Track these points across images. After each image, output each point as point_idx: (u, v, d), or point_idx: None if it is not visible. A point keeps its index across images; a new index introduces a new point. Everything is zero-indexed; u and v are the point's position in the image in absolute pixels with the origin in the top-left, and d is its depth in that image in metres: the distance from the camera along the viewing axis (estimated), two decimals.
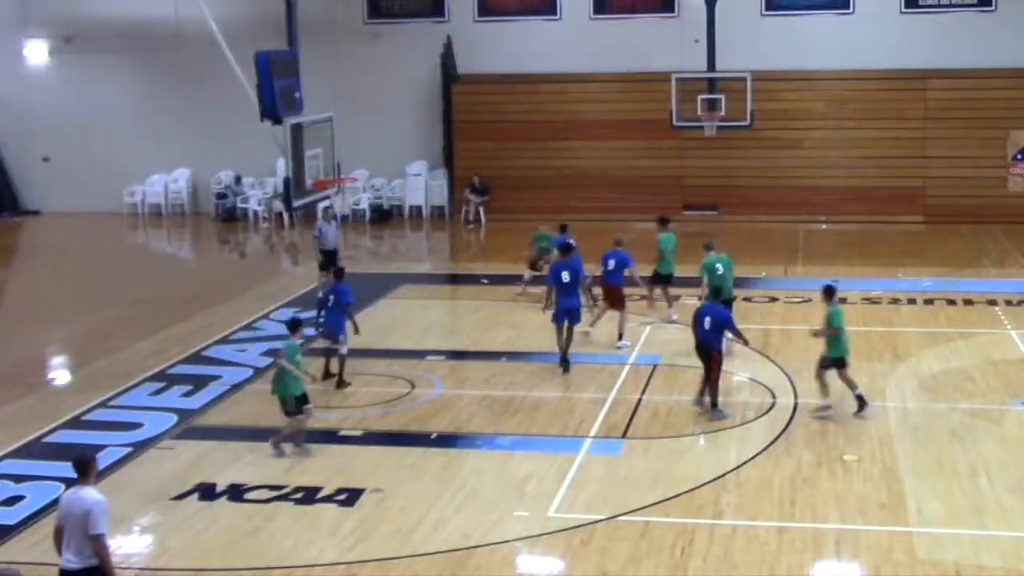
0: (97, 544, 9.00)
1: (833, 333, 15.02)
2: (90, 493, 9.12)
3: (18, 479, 13.66)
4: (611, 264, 18.71)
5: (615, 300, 18.71)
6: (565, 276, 17.39)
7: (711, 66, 27.60)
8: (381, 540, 11.85)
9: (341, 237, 23.75)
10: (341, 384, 16.86)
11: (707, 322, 15.32)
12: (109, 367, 18.33)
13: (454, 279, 25.38)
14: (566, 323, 17.34)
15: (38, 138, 34.24)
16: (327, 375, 17.13)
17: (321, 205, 21.87)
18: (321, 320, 17.53)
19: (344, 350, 16.91)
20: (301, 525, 12.25)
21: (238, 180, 33.32)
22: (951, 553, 11.34)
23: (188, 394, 16.81)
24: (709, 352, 15.26)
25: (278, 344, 19.16)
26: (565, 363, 17.31)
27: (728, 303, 17.44)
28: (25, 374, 18.30)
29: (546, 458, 13.94)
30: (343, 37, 32.30)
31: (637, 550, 11.47)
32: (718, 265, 18.12)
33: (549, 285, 18.27)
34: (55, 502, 9.86)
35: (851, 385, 15.15)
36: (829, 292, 15.51)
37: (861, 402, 15.13)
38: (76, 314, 22.40)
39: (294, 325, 14.92)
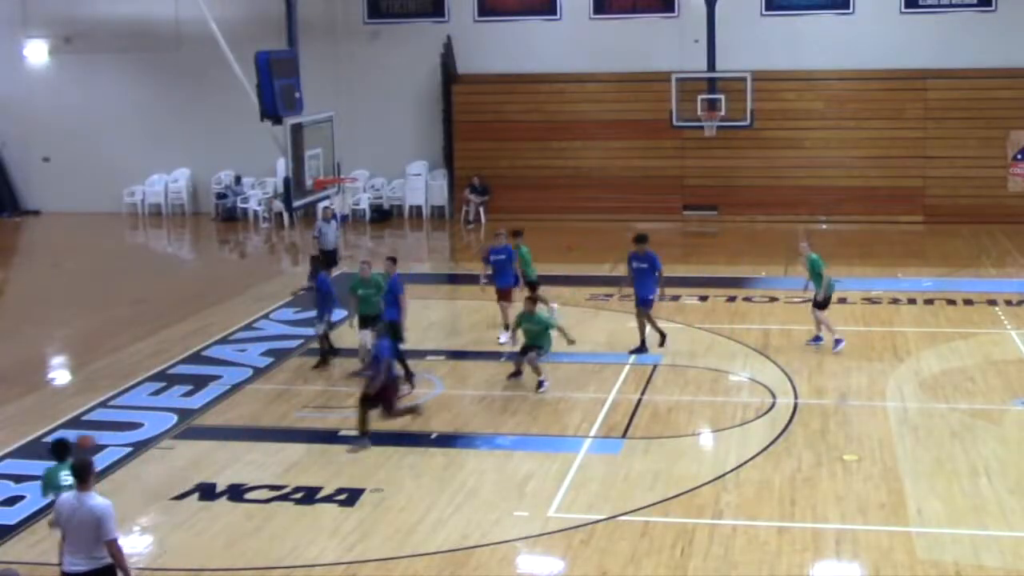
0: (113, 548, 9.14)
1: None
2: (95, 500, 9.18)
3: (18, 479, 13.65)
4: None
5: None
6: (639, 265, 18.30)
7: (711, 66, 27.61)
8: (381, 540, 11.86)
9: (341, 237, 23.74)
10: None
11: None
12: (109, 367, 18.32)
13: (454, 279, 25.36)
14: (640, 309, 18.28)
15: (38, 138, 34.23)
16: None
17: (321, 205, 21.86)
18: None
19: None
20: (301, 525, 12.25)
21: (238, 180, 33.31)
22: (951, 553, 11.34)
23: (188, 394, 16.80)
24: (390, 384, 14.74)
25: (278, 345, 19.28)
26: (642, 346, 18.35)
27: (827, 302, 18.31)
28: (25, 374, 18.28)
29: (546, 458, 13.94)
30: (343, 37, 32.29)
31: (637, 550, 11.47)
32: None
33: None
34: (54, 503, 9.84)
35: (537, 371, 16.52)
36: (532, 299, 17.07)
37: (540, 386, 16.44)
38: (76, 314, 22.39)
39: (61, 450, 11.05)
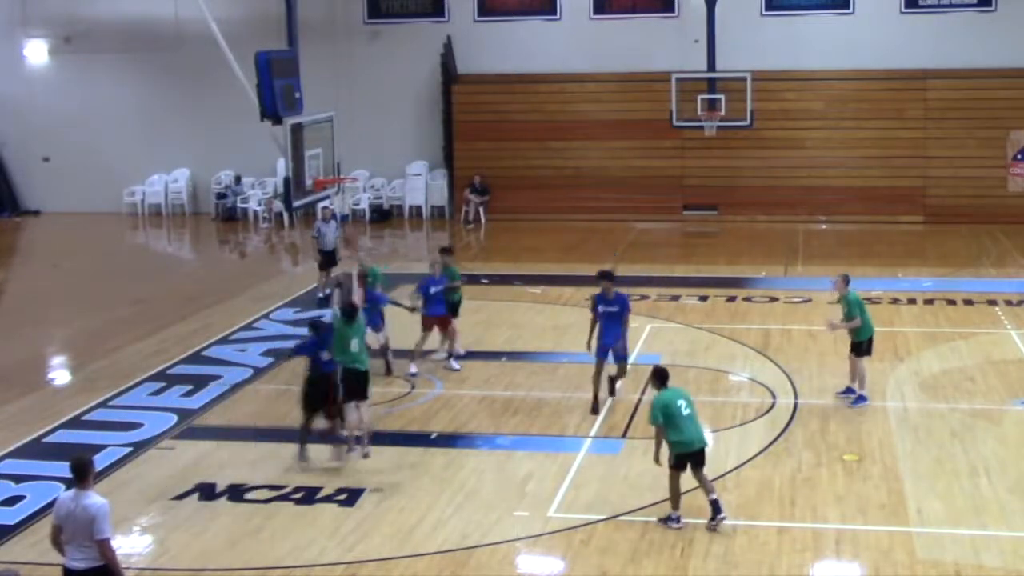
0: (105, 548, 9.13)
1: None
2: (92, 499, 9.18)
3: (18, 479, 13.65)
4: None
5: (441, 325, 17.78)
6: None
7: (711, 66, 27.61)
8: (381, 540, 11.85)
9: (340, 237, 23.71)
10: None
11: None
12: (109, 367, 18.32)
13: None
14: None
15: (38, 138, 34.24)
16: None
17: (320, 205, 21.86)
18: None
19: None
20: (301, 525, 12.25)
21: (238, 180, 33.32)
22: (951, 553, 11.34)
23: (188, 394, 16.79)
24: None
25: (278, 344, 19.26)
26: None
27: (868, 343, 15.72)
28: (25, 374, 18.28)
29: (546, 458, 13.93)
30: (343, 37, 32.30)
31: (637, 550, 11.47)
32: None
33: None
34: (55, 502, 9.84)
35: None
36: (661, 376, 12.35)
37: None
38: (76, 314, 22.39)
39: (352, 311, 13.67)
